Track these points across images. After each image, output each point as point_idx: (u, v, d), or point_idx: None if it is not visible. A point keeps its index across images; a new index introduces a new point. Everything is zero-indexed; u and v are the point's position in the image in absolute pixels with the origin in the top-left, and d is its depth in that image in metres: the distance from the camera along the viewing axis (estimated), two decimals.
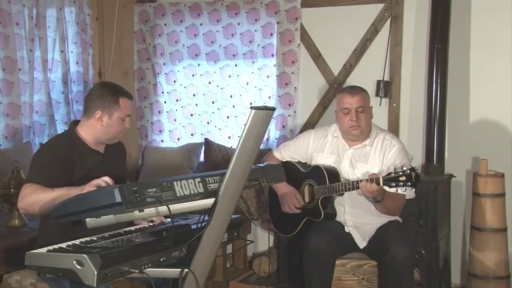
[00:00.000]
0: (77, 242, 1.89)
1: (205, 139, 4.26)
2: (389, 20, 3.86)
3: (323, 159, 2.97)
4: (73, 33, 4.05)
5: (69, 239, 1.91)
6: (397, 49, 3.84)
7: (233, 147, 4.10)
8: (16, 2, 3.62)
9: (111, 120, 2.39)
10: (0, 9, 3.53)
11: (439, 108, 3.60)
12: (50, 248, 1.82)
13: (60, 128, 3.98)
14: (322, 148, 2.99)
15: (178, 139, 4.47)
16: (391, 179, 2.64)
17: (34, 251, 1.82)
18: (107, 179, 2.05)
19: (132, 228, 2.13)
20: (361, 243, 2.89)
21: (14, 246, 2.61)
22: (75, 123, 2.48)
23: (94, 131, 2.40)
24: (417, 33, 3.80)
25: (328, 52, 4.05)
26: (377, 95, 3.80)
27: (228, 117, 4.32)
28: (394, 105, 3.87)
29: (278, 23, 4.10)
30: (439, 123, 3.61)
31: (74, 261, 1.68)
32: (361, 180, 2.69)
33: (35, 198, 2.15)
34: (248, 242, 3.89)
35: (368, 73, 3.91)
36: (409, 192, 2.82)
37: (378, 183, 2.65)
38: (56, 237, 2.10)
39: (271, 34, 4.14)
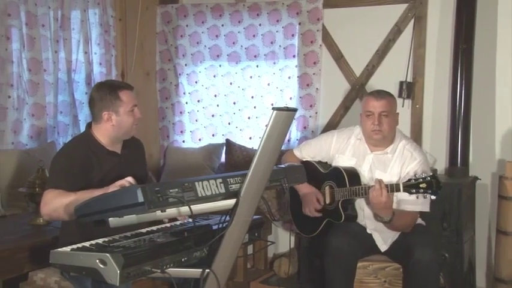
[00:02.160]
0: (99, 241, 1.91)
1: (227, 140, 4.28)
2: (412, 20, 3.82)
3: (344, 161, 2.95)
4: (96, 35, 4.10)
5: (89, 239, 1.93)
6: (420, 50, 3.81)
7: (254, 148, 4.11)
8: (42, 4, 3.69)
9: (120, 116, 2.37)
10: (27, 12, 3.59)
11: (464, 109, 3.55)
12: (74, 246, 1.84)
13: (84, 128, 4.02)
14: (344, 150, 2.97)
15: (200, 140, 4.50)
16: (411, 185, 2.61)
17: (58, 249, 1.84)
18: (130, 179, 2.06)
19: (154, 228, 2.14)
20: (382, 246, 2.86)
21: (38, 245, 2.65)
22: (91, 124, 2.47)
23: (107, 132, 2.40)
24: (441, 33, 3.76)
25: (350, 53, 4.03)
26: (400, 96, 3.77)
27: (249, 118, 4.32)
28: (417, 106, 3.83)
29: (300, 23, 4.10)
30: (464, 125, 3.56)
31: (97, 260, 1.69)
32: (373, 186, 2.67)
33: (59, 203, 2.16)
34: (269, 243, 3.89)
35: (390, 74, 3.88)
36: (423, 206, 2.78)
37: (398, 190, 2.63)
38: (77, 236, 2.12)
39: (293, 35, 4.14)
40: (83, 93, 4.06)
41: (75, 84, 4.00)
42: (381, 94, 2.86)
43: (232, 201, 1.85)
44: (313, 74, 4.07)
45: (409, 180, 2.63)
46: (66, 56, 3.87)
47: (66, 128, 3.94)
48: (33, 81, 3.66)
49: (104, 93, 2.38)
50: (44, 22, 3.70)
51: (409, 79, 3.82)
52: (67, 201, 2.13)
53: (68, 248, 1.83)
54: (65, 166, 2.29)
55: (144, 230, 2.09)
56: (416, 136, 3.77)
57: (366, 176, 2.86)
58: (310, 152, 3.09)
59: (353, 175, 2.86)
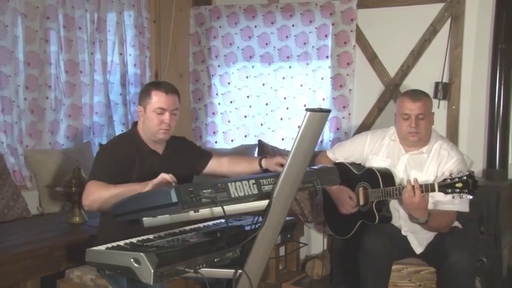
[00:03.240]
0: (134, 240, 1.94)
1: (259, 141, 4.28)
2: (449, 20, 3.76)
3: (378, 162, 2.92)
4: (131, 36, 4.16)
5: (127, 237, 1.96)
6: (457, 50, 3.74)
7: (286, 149, 4.10)
8: (79, 7, 3.76)
9: (147, 114, 2.41)
10: (65, 15, 3.67)
11: (503, 110, 3.48)
12: (109, 245, 1.87)
13: (118, 129, 4.10)
14: (378, 150, 2.94)
15: (232, 140, 4.52)
16: (447, 185, 2.56)
17: (94, 248, 1.87)
18: (169, 176, 2.07)
19: (187, 228, 2.16)
20: (418, 249, 2.82)
21: (75, 243, 2.71)
22: (137, 123, 2.52)
23: (141, 128, 2.46)
24: (479, 33, 3.68)
25: (384, 53, 3.98)
26: (435, 97, 3.70)
27: (281, 119, 4.32)
28: (453, 107, 3.76)
29: (333, 24, 4.07)
30: (503, 126, 3.48)
31: (132, 259, 1.72)
32: (406, 186, 2.63)
33: (99, 195, 2.21)
34: (301, 245, 3.88)
35: (426, 75, 3.82)
36: (461, 206, 2.72)
37: (433, 190, 2.58)
38: (115, 234, 2.15)
39: (326, 35, 4.11)
40: (117, 94, 4.12)
41: (110, 86, 4.07)
42: (416, 95, 2.81)
43: (265, 202, 1.85)
44: (347, 74, 4.04)
45: (445, 180, 2.59)
46: (102, 57, 3.94)
47: (101, 129, 4.01)
48: (70, 83, 3.73)
49: (144, 89, 2.49)
50: (80, 24, 3.78)
51: (445, 80, 3.76)
52: (107, 194, 2.17)
53: (103, 247, 1.86)
54: (108, 159, 2.35)
55: (177, 230, 2.11)
56: (452, 138, 3.70)
57: (400, 176, 2.83)
58: (344, 153, 3.07)
59: (387, 176, 2.83)
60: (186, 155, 2.59)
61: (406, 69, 3.91)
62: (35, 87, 3.52)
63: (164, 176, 2.05)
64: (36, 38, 3.50)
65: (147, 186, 2.04)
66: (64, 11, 3.67)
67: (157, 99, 2.40)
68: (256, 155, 4.27)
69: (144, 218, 1.81)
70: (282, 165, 1.89)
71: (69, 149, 3.69)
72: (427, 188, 2.61)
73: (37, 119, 3.54)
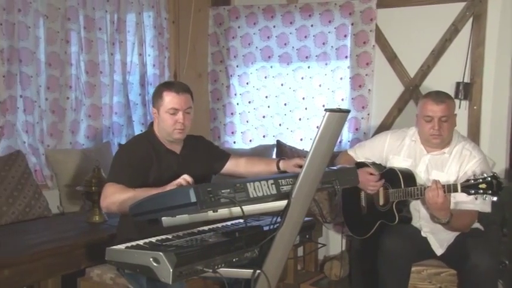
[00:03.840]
0: (153, 239, 1.95)
1: (277, 141, 4.28)
2: (471, 19, 3.71)
3: (399, 162, 2.90)
4: (150, 37, 4.19)
5: (144, 237, 1.97)
6: (479, 49, 3.69)
7: (305, 150, 4.09)
8: (99, 8, 3.80)
9: (161, 115, 2.42)
10: (85, 16, 3.71)
11: None
12: (129, 244, 1.89)
13: (137, 129, 4.13)
14: (399, 151, 2.92)
15: (250, 140, 4.52)
16: (470, 185, 2.53)
17: (114, 247, 1.89)
18: (187, 177, 2.07)
19: (206, 228, 2.17)
20: (438, 250, 2.79)
21: (95, 242, 2.73)
22: (153, 123, 2.54)
23: (157, 129, 2.47)
24: (502, 32, 3.63)
25: (404, 53, 3.95)
26: (456, 97, 3.66)
27: (300, 119, 4.31)
28: (474, 107, 3.72)
29: (352, 24, 4.05)
30: None
31: (151, 259, 1.73)
32: (429, 186, 2.60)
33: (117, 197, 2.22)
34: (320, 246, 3.86)
35: (447, 75, 3.78)
36: (483, 206, 2.69)
37: (456, 190, 2.56)
38: (133, 234, 2.17)
39: (345, 35, 4.09)
40: (137, 95, 4.15)
41: (130, 86, 4.10)
42: (440, 97, 2.78)
43: (283, 203, 1.85)
44: (366, 75, 4.02)
45: (468, 180, 2.56)
46: (122, 58, 3.97)
47: (120, 129, 4.04)
48: (90, 83, 3.77)
49: (155, 91, 2.49)
50: (101, 25, 3.81)
51: (467, 80, 3.71)
52: (125, 197, 2.18)
53: (122, 246, 1.88)
54: (126, 161, 2.36)
55: (196, 230, 2.12)
56: (473, 138, 3.65)
57: (422, 177, 2.81)
58: (365, 153, 3.06)
59: (408, 176, 2.81)
60: (204, 154, 2.59)
61: (426, 69, 3.88)
62: (56, 87, 3.56)
63: (186, 178, 2.06)
64: (57, 38, 3.54)
65: (166, 189, 2.04)
66: (85, 12, 3.70)
67: (169, 99, 2.41)
68: (274, 155, 4.27)
69: (163, 218, 1.82)
70: (300, 167, 1.89)
71: (89, 148, 3.72)
72: (450, 188, 2.59)
73: (58, 119, 3.59)
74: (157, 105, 2.44)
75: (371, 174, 2.89)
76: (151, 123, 2.55)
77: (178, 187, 2.00)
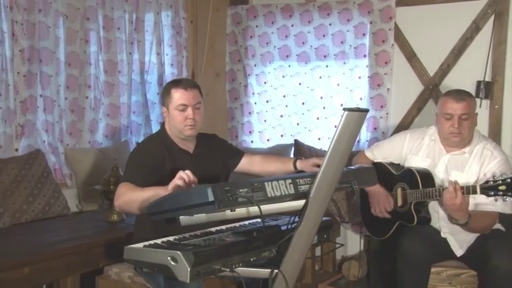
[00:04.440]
0: (171, 238, 1.96)
1: (295, 140, 4.27)
2: (492, 17, 3.66)
3: (417, 162, 2.87)
4: (169, 36, 4.21)
5: (162, 236, 1.98)
6: (500, 47, 3.64)
7: (323, 149, 4.08)
8: (118, 8, 3.83)
9: (170, 113, 2.42)
10: (104, 16, 3.74)
11: None
12: (146, 243, 1.89)
13: (155, 128, 4.15)
14: (417, 150, 2.89)
15: (268, 140, 4.52)
16: (490, 187, 2.50)
17: (132, 245, 1.90)
18: (184, 175, 2.03)
19: (223, 227, 2.17)
20: (458, 251, 2.76)
21: (113, 240, 2.75)
22: (164, 123, 2.53)
23: (168, 128, 2.48)
24: None
25: (423, 52, 3.92)
26: (477, 96, 3.62)
27: (318, 118, 4.30)
28: (496, 107, 3.67)
29: (371, 22, 4.03)
30: None
31: (169, 257, 1.73)
32: (447, 187, 2.57)
33: (129, 197, 2.23)
34: (338, 246, 3.84)
35: (467, 73, 3.73)
36: (504, 207, 2.65)
37: (475, 192, 2.53)
38: (150, 233, 2.18)
39: (364, 34, 4.07)
40: (155, 94, 4.18)
41: (148, 85, 4.12)
42: (460, 95, 2.75)
43: (301, 202, 1.84)
44: (385, 74, 3.99)
45: (487, 181, 2.52)
46: (140, 57, 4.00)
47: (138, 128, 4.07)
48: (108, 82, 3.80)
49: (164, 89, 2.50)
50: (119, 25, 3.84)
51: (488, 78, 3.67)
52: (136, 197, 2.19)
53: (140, 245, 1.88)
54: (139, 161, 2.37)
55: (213, 229, 2.12)
56: (495, 138, 3.60)
57: (440, 177, 2.78)
58: (383, 152, 3.04)
59: (426, 176, 2.78)
60: (218, 152, 2.59)
61: (446, 68, 3.84)
62: (75, 87, 3.60)
63: (182, 176, 2.03)
64: (76, 38, 3.58)
65: (169, 186, 2.04)
66: (104, 12, 3.74)
67: (177, 96, 2.41)
68: (292, 154, 4.26)
69: (181, 217, 1.83)
70: (318, 166, 1.88)
71: (107, 147, 3.76)
72: (469, 190, 2.55)
73: (77, 118, 3.63)
74: (167, 103, 2.44)
75: (389, 203, 2.89)
76: (163, 124, 2.54)
77: (180, 184, 2.00)
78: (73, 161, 3.54)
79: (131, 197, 2.22)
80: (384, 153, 3.04)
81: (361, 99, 4.11)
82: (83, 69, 3.63)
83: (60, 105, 3.51)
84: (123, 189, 2.28)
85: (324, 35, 4.21)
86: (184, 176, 2.03)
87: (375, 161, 3.05)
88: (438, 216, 2.80)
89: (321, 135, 4.28)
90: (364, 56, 4.08)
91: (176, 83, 2.47)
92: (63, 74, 3.55)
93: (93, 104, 3.72)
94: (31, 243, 2.67)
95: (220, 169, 2.58)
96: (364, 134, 4.07)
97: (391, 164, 3.01)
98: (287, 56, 4.37)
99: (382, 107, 4.00)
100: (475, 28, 3.73)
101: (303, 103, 4.35)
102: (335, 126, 1.77)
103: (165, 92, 2.46)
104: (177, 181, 2.03)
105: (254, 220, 2.21)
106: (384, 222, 2.96)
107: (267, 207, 1.82)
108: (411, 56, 3.96)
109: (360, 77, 4.12)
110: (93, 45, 3.71)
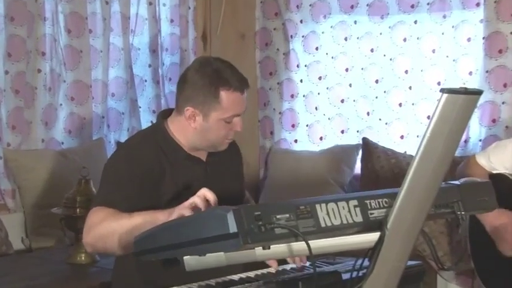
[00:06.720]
0: None
1: (364, 139, 4.28)
2: None
3: None
4: None
5: (155, 286, 2.01)
6: None
7: (408, 153, 4.08)
8: None
9: (208, 123, 2.40)
10: None
11: None
12: None
13: (146, 120, 4.21)
14: None
15: (321, 139, 4.54)
16: None
17: None
18: (206, 193, 2.06)
19: (251, 274, 2.19)
20: None
21: None
22: (166, 114, 2.54)
23: (185, 132, 2.45)
24: None
25: None
26: None
27: (400, 104, 4.30)
28: None
29: None
30: None
31: None
32: None
33: (106, 228, 2.25)
34: None
35: None
36: None
37: None
38: (137, 283, 2.21)
39: None
40: (145, 66, 4.24)
41: (135, 53, 4.18)
42: None
43: (374, 236, 1.86)
44: (510, 33, 3.97)
45: None
46: (122, 9, 4.04)
47: (120, 119, 4.12)
48: (73, 48, 3.85)
49: (203, 80, 2.40)
50: None
51: None
52: (117, 227, 2.22)
53: None
54: (122, 175, 2.39)
55: (235, 277, 2.15)
56: None
57: None
58: (505, 159, 3.03)
59: None
60: (236, 164, 2.67)
61: None
62: (21, 54, 3.65)
63: (194, 201, 2.06)
64: None
65: (174, 213, 2.06)
66: None
67: (230, 102, 2.39)
68: (359, 160, 4.27)
69: (186, 257, 1.86)
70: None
71: (71, 149, 3.82)
72: None
73: (24, 104, 3.68)
74: (207, 107, 2.39)
75: None
76: (163, 114, 2.55)
77: (194, 210, 2.03)
78: (17, 169, 3.60)
79: (110, 227, 2.25)
80: (508, 159, 3.03)
81: (470, 74, 4.10)
82: (32, 26, 3.68)
83: None
84: (97, 217, 2.30)
85: None
86: (210, 196, 2.05)
87: (493, 171, 3.05)
88: None
89: (406, 131, 4.28)
90: (477, 4, 4.07)
91: (226, 79, 2.39)
92: (1, 33, 3.59)
93: (48, 81, 3.77)
94: None
95: (240, 186, 2.63)
96: (476, 130, 4.06)
97: None
98: (352, 7, 4.39)
99: (505, 86, 3.99)
100: None
101: (376, 81, 4.37)
102: (428, 118, 1.79)
103: (206, 89, 2.39)
104: (196, 200, 2.04)
105: (299, 263, 2.23)
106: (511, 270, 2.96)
107: (319, 243, 1.84)
108: None
109: (469, 39, 4.11)
110: None
